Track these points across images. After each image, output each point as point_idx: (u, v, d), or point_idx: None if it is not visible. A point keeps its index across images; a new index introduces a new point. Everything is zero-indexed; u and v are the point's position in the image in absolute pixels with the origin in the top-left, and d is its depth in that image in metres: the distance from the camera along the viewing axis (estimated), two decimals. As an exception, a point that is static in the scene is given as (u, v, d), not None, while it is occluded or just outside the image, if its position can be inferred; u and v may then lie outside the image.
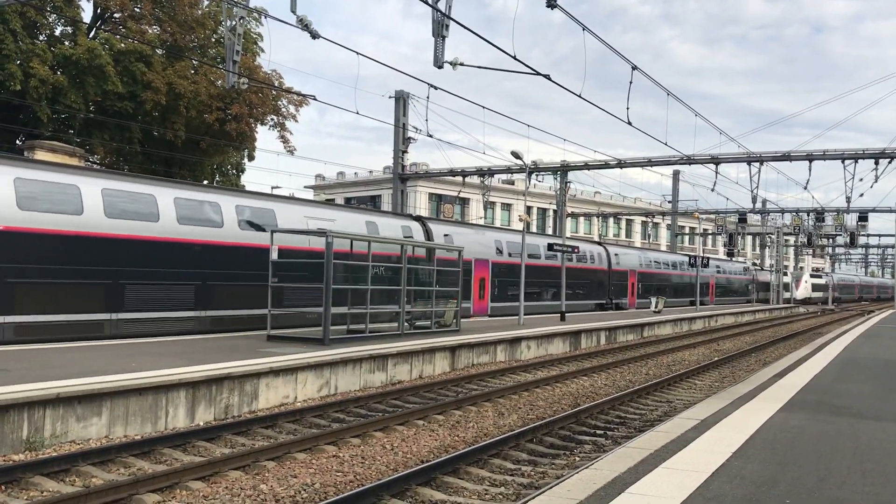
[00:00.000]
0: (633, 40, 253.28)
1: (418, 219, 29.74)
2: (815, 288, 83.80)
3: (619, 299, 43.78)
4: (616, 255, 44.61)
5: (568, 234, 45.18)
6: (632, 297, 44.99)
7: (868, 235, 76.98)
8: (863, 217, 54.23)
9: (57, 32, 36.38)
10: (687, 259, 53.84)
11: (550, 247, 32.38)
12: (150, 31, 37.87)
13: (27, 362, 12.60)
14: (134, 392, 10.98)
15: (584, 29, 19.11)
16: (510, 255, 32.37)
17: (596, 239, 66.49)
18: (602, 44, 20.16)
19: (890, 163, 37.00)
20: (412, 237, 26.32)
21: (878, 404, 11.42)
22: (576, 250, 35.41)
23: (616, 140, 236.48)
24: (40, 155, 20.44)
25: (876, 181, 37.73)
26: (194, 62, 37.94)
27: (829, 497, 6.33)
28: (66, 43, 35.05)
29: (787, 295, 74.80)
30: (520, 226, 31.50)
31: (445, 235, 29.13)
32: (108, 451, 9.57)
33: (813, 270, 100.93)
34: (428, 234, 28.25)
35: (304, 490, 8.46)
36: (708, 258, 55.15)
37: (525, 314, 27.75)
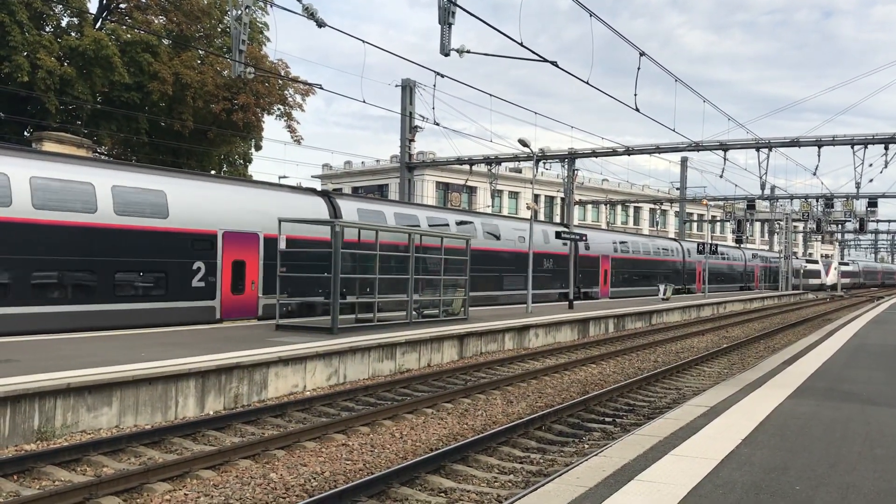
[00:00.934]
0: (641, 27, 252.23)
1: (557, 224, 40.68)
2: (843, 274, 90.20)
3: (689, 285, 52.87)
4: (688, 249, 54.22)
5: (576, 222, 45.47)
6: (699, 283, 53.49)
7: (878, 221, 76.22)
8: (872, 203, 53.87)
9: (63, 23, 36.38)
10: (738, 250, 65.79)
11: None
12: (156, 22, 37.85)
13: (38, 353, 12.66)
14: (144, 382, 11.03)
15: (591, 15, 19.00)
16: (622, 251, 42.65)
17: (603, 227, 67.25)
18: (609, 30, 20.06)
19: (900, 148, 36.74)
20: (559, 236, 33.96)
21: (889, 390, 11.39)
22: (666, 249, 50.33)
23: (624, 127, 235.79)
24: (48, 146, 20.53)
25: (886, 167, 37.45)
26: (200, 52, 37.92)
27: (839, 483, 6.32)
28: (73, 34, 35.06)
29: (817, 281, 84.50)
30: (602, 222, 34.75)
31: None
32: (118, 440, 9.62)
33: (823, 257, 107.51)
34: (559, 236, 36.18)
35: (314, 478, 8.48)
36: (742, 249, 67.61)
37: (626, 297, 37.95)
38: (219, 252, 19.20)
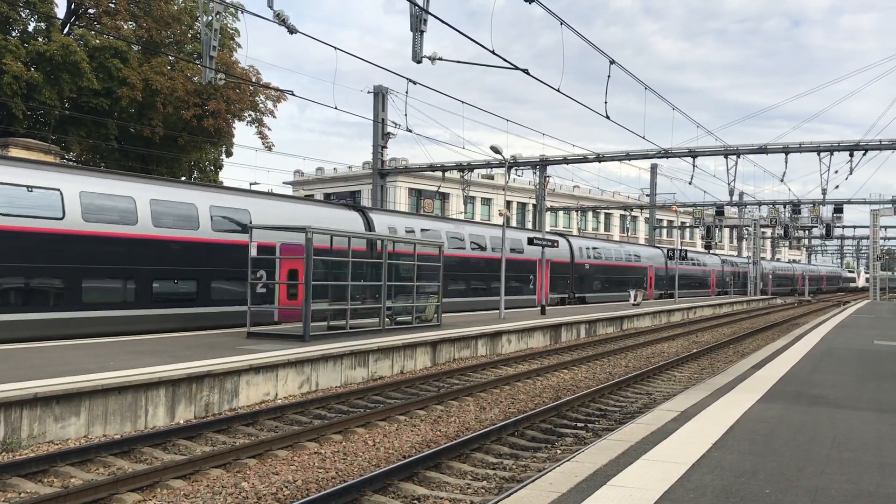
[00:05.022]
0: (614, 35, 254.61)
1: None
2: (866, 280, 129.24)
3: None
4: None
5: (547, 228, 45.69)
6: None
7: (843, 227, 77.97)
8: (838, 209, 54.89)
9: (30, 28, 35.90)
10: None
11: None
12: (125, 27, 37.46)
13: (8, 362, 12.45)
14: (113, 391, 10.88)
15: (561, 24, 19.15)
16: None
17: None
18: (580, 38, 20.22)
19: (864, 155, 37.48)
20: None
21: (855, 393, 11.56)
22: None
23: (596, 134, 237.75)
24: (14, 152, 20.21)
25: (851, 173, 38.19)
26: (171, 58, 37.59)
27: (807, 486, 6.40)
28: (40, 39, 34.60)
29: (854, 284, 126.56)
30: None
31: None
32: (87, 450, 9.48)
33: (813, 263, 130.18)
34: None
35: (286, 487, 8.43)
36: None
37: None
38: (277, 261, 20.73)
